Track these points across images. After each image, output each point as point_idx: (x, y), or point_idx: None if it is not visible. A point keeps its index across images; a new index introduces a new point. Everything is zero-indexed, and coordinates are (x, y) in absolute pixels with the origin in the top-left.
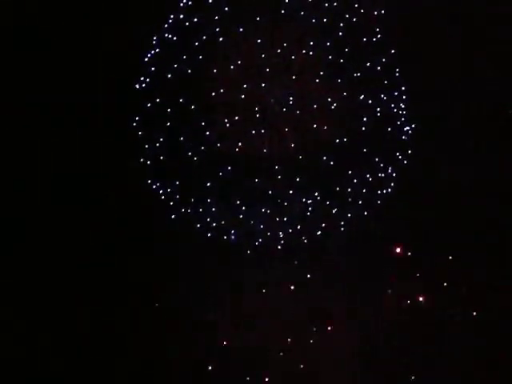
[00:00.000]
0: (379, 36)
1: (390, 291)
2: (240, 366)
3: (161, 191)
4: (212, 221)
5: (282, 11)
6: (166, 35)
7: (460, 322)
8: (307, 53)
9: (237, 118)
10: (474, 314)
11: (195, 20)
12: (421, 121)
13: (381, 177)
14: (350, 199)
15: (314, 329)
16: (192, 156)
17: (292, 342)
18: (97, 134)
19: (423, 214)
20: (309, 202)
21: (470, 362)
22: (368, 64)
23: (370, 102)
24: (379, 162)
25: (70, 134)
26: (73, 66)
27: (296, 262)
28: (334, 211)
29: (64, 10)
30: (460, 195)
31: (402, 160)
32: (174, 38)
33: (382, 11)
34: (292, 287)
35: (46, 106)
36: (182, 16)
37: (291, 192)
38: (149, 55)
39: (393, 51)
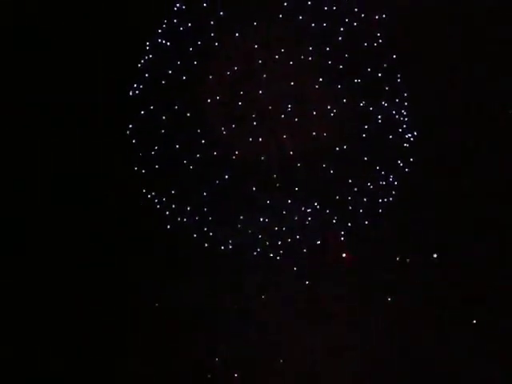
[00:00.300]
0: (380, 41)
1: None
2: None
3: (156, 200)
4: (209, 230)
5: (280, 15)
6: (160, 40)
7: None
8: (306, 58)
9: (233, 125)
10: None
11: (189, 25)
12: (422, 127)
13: (382, 185)
14: (350, 208)
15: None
16: (188, 164)
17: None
18: (97, 134)
19: (424, 222)
20: (308, 210)
21: (470, 361)
22: (369, 69)
23: (371, 108)
24: (380, 170)
25: (69, 134)
26: (73, 66)
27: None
28: (333, 220)
29: (64, 10)
30: (461, 202)
31: (404, 168)
32: (168, 44)
33: (383, 15)
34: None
35: (45, 105)
36: (175, 20)
37: (289, 201)
38: (142, 61)
39: (394, 56)
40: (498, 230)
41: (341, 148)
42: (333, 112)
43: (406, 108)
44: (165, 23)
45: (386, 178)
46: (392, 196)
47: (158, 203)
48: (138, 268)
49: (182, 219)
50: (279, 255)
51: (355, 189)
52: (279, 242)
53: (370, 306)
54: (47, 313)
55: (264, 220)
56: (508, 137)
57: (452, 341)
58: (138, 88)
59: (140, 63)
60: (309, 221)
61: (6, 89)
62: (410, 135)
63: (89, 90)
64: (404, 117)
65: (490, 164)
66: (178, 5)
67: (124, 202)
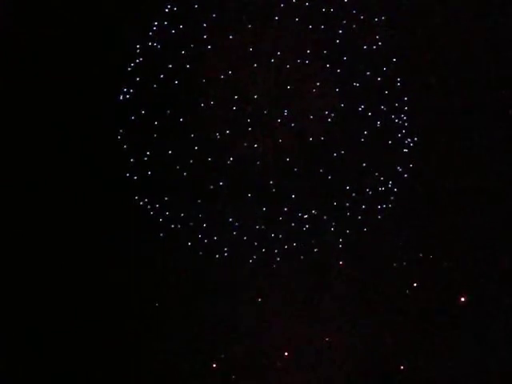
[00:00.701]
0: (379, 44)
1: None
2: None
3: (149, 206)
4: (203, 238)
5: (276, 17)
6: (150, 43)
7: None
8: (303, 61)
9: (228, 130)
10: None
11: (181, 27)
12: (422, 132)
13: (381, 191)
14: (348, 214)
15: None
16: (181, 170)
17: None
18: (96, 134)
19: (425, 228)
20: (305, 217)
21: (470, 361)
22: (368, 73)
23: (370, 113)
24: (379, 176)
25: (69, 133)
26: (72, 66)
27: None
28: (331, 227)
29: (64, 10)
30: (462, 206)
31: (403, 174)
32: (159, 47)
33: (383, 17)
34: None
35: (45, 105)
36: (166, 23)
37: (286, 208)
38: (132, 64)
39: (394, 59)
40: (498, 230)
41: (339, 153)
42: (331, 116)
43: (405, 113)
44: (155, 25)
45: (384, 184)
46: (391, 202)
47: (150, 210)
48: (138, 268)
49: (175, 226)
50: (276, 262)
51: (353, 195)
52: (276, 250)
53: (369, 310)
54: (47, 312)
55: (260, 227)
56: (508, 137)
57: (452, 341)
58: (128, 92)
59: (130, 67)
60: (306, 227)
61: (5, 89)
62: (409, 140)
63: (89, 89)
64: (404, 121)
65: (489, 165)
66: (169, 6)
67: (124, 201)
